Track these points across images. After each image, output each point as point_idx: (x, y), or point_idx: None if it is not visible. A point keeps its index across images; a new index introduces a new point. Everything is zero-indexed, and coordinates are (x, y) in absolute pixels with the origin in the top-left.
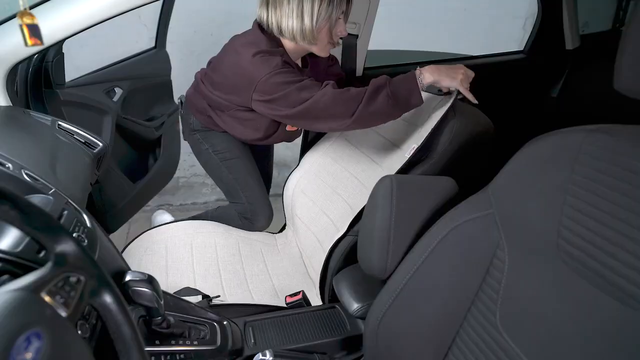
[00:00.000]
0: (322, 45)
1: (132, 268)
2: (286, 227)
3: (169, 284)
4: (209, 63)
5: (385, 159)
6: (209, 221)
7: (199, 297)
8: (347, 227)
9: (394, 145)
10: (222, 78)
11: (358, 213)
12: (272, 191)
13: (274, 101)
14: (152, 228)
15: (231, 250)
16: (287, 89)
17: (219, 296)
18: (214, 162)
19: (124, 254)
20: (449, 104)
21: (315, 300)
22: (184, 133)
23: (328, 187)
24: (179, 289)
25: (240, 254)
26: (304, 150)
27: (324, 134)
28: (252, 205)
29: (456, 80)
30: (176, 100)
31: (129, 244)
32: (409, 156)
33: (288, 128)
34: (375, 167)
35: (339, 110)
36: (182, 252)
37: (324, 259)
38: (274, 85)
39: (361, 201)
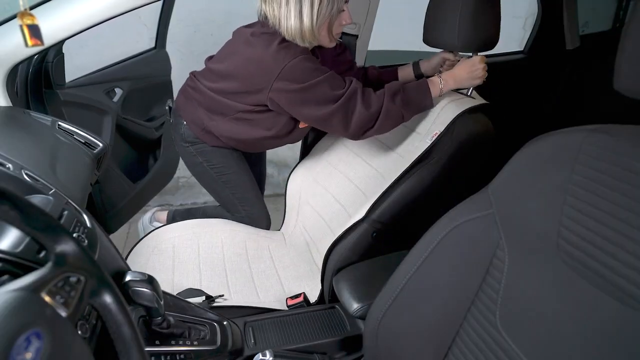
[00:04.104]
0: (326, 40)
1: (140, 267)
2: (286, 219)
3: (175, 283)
4: (210, 58)
5: (402, 146)
6: (217, 219)
7: (202, 298)
8: (364, 213)
9: (412, 130)
10: (232, 68)
11: (375, 201)
12: (272, 191)
13: (303, 91)
14: (158, 228)
15: (238, 249)
16: (319, 77)
17: (222, 295)
18: (210, 176)
19: (132, 253)
20: (469, 92)
21: (317, 287)
22: (175, 142)
23: (340, 174)
24: (184, 287)
25: (247, 252)
26: (305, 150)
27: (324, 132)
28: (251, 219)
29: (479, 79)
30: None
31: (137, 242)
32: (431, 142)
33: (301, 125)
34: (390, 153)
35: (369, 111)
36: (189, 252)
37: (331, 241)
38: (304, 71)
39: (375, 188)
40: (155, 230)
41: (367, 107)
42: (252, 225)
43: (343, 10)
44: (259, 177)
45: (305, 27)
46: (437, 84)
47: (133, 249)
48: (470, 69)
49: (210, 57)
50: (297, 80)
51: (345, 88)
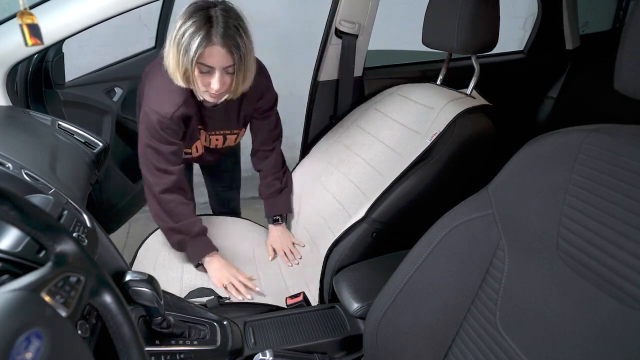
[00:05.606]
0: (200, 91)
1: (150, 263)
2: (287, 218)
3: (184, 282)
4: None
5: (402, 145)
6: (223, 217)
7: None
8: (363, 213)
9: (412, 130)
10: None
11: (375, 201)
12: None
13: (141, 134)
14: None
15: (245, 247)
16: (153, 142)
17: (228, 298)
18: None
19: (141, 250)
20: (469, 92)
21: (317, 287)
22: None
23: (340, 174)
24: (193, 288)
25: (253, 252)
26: (305, 150)
27: (324, 132)
28: None
29: (218, 282)
30: None
31: (147, 237)
32: (430, 141)
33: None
34: (390, 152)
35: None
36: None
37: (332, 241)
38: (148, 126)
39: (375, 187)
40: None
41: (159, 203)
42: None
43: (205, 72)
44: (231, 180)
45: (171, 69)
46: (200, 258)
47: (143, 243)
48: (220, 271)
49: None
50: (143, 124)
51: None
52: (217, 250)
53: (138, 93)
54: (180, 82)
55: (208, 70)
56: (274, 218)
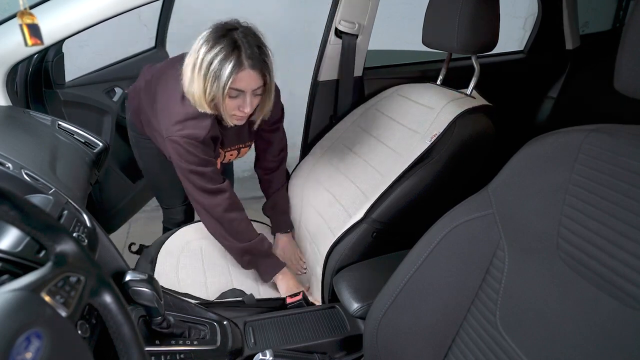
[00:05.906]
0: (227, 115)
1: (171, 268)
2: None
3: (208, 284)
4: (152, 69)
5: (402, 145)
6: None
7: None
8: (363, 214)
9: (412, 130)
10: (158, 97)
11: (375, 201)
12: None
13: (178, 164)
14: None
15: None
16: (187, 165)
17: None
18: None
19: (160, 255)
20: (469, 92)
21: (318, 287)
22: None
23: (341, 174)
24: (216, 289)
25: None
26: (305, 150)
27: (324, 132)
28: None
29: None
30: None
31: (165, 240)
32: (430, 141)
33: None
34: (390, 152)
35: (204, 218)
36: (217, 255)
37: (332, 241)
38: (182, 154)
39: (375, 187)
40: (181, 230)
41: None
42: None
43: (234, 97)
44: None
45: (196, 97)
46: (273, 276)
47: (160, 249)
48: (292, 287)
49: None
50: (175, 154)
51: (213, 184)
52: (285, 265)
53: (133, 91)
54: (206, 108)
55: (237, 95)
56: (284, 230)
